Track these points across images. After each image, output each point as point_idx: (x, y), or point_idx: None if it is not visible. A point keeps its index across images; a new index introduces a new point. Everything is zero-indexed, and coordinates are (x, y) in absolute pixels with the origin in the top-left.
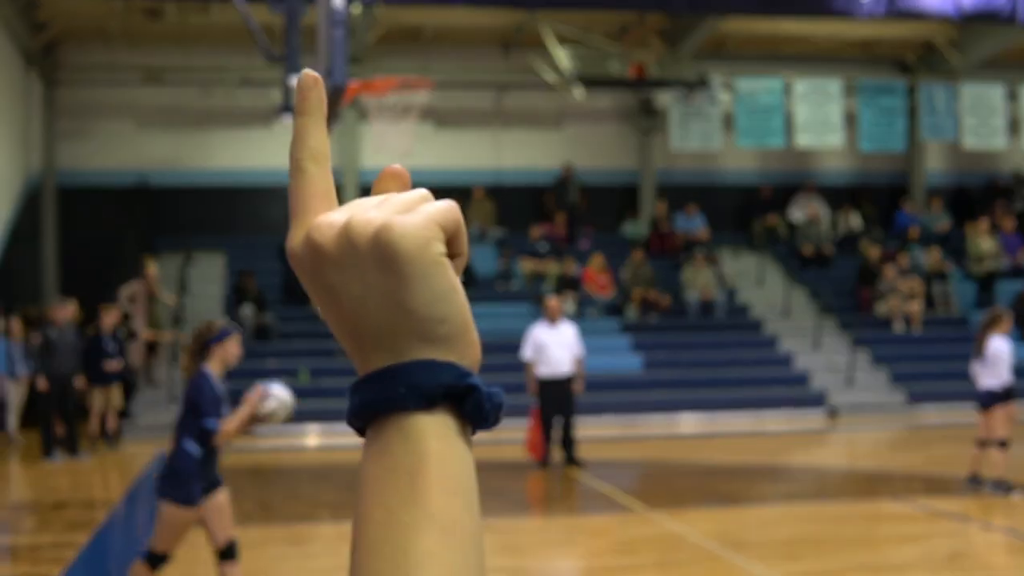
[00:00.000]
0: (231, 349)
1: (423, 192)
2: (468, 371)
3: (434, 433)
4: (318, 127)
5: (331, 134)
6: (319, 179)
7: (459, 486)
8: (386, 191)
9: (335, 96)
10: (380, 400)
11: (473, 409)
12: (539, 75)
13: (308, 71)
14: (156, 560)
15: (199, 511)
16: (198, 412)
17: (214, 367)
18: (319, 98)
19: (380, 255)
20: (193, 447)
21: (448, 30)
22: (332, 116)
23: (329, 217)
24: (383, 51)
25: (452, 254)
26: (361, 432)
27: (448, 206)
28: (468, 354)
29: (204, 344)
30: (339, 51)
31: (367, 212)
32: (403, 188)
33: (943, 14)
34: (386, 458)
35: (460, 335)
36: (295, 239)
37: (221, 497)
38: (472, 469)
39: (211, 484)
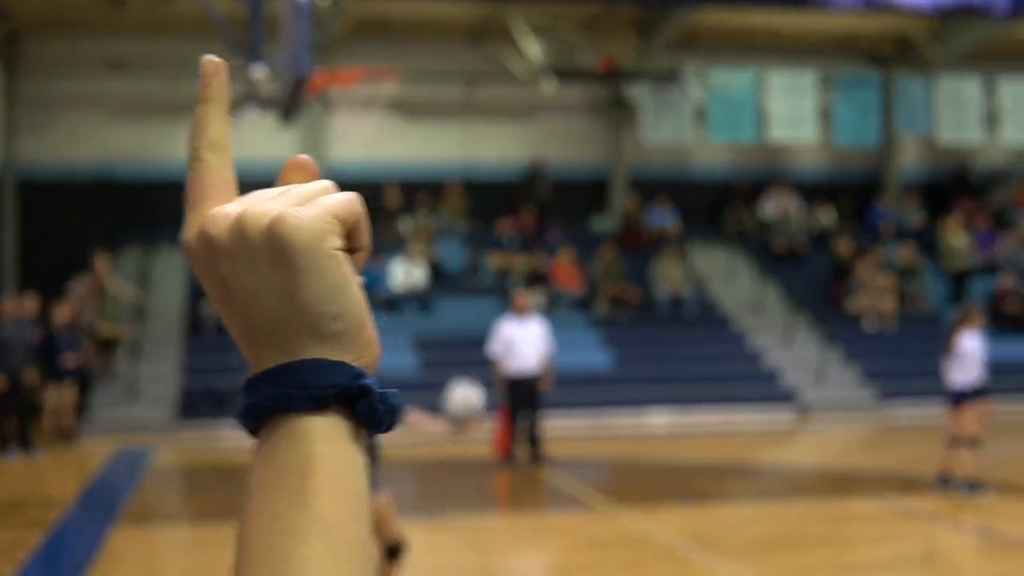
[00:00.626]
0: None
1: (325, 184)
2: (362, 371)
3: (324, 436)
4: (219, 115)
5: (296, 125)
6: (217, 169)
7: (348, 491)
8: (290, 183)
9: (299, 88)
10: (270, 400)
11: (366, 412)
12: (509, 67)
13: (210, 57)
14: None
15: None
16: None
17: None
18: (220, 85)
19: (273, 247)
20: None
21: (418, 21)
22: (297, 108)
23: (224, 208)
24: (352, 43)
25: (352, 248)
26: (254, 434)
27: (348, 198)
28: (364, 354)
29: None
30: (303, 42)
31: (263, 204)
32: (308, 180)
33: (919, 7)
34: (274, 461)
35: (355, 333)
36: (190, 231)
37: (381, 498)
38: (363, 474)
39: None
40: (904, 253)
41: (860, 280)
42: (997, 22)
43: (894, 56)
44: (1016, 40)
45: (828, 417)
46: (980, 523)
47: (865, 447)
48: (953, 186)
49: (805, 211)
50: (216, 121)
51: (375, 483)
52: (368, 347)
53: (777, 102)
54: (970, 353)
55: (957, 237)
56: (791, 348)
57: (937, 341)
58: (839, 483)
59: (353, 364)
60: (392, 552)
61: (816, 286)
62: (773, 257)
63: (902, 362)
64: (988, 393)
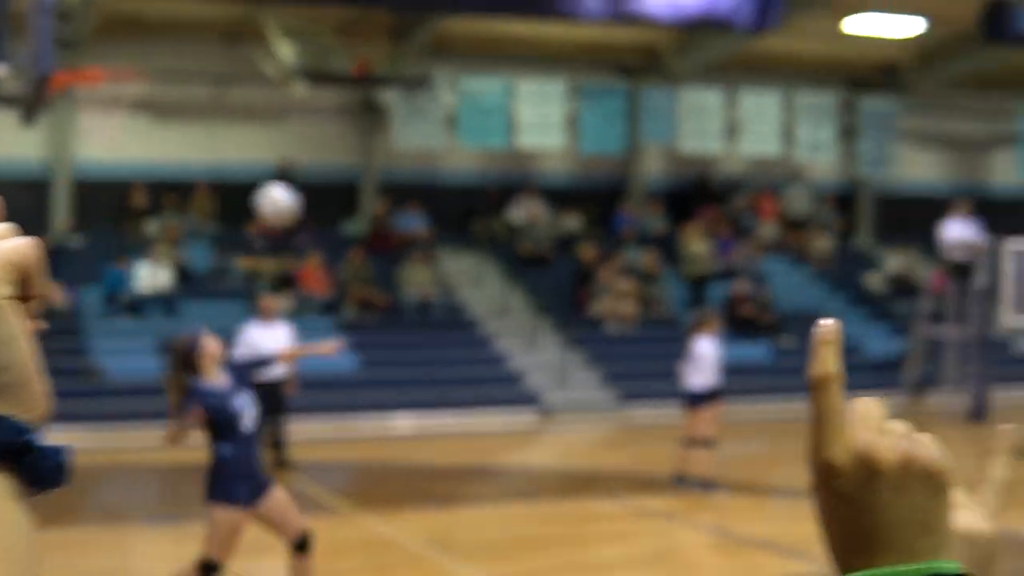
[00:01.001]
0: (211, 348)
1: (2, 227)
2: (27, 427)
3: None
4: None
5: (41, 125)
6: None
7: (9, 553)
8: None
9: (42, 86)
10: None
11: (30, 468)
12: (262, 69)
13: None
14: (210, 569)
15: (250, 512)
16: (215, 425)
17: (208, 373)
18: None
19: (930, 482)
20: (226, 449)
21: (170, 20)
22: (40, 107)
23: None
24: (102, 40)
25: (26, 296)
26: None
27: (23, 243)
28: (32, 407)
29: (187, 360)
30: (46, 39)
31: None
32: None
33: (665, 20)
34: None
35: (22, 386)
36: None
37: (278, 493)
38: (27, 533)
39: (259, 484)
40: (646, 258)
41: (603, 285)
42: (738, 37)
43: (640, 67)
44: (755, 54)
45: (570, 419)
46: (713, 521)
47: (605, 448)
48: (695, 194)
49: (552, 217)
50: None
51: (267, 482)
52: (36, 400)
53: (527, 109)
54: (705, 356)
55: (697, 243)
56: (535, 351)
57: (676, 344)
58: (579, 483)
59: (17, 418)
60: (300, 546)
61: (561, 291)
62: (520, 262)
63: (642, 365)
64: (722, 395)
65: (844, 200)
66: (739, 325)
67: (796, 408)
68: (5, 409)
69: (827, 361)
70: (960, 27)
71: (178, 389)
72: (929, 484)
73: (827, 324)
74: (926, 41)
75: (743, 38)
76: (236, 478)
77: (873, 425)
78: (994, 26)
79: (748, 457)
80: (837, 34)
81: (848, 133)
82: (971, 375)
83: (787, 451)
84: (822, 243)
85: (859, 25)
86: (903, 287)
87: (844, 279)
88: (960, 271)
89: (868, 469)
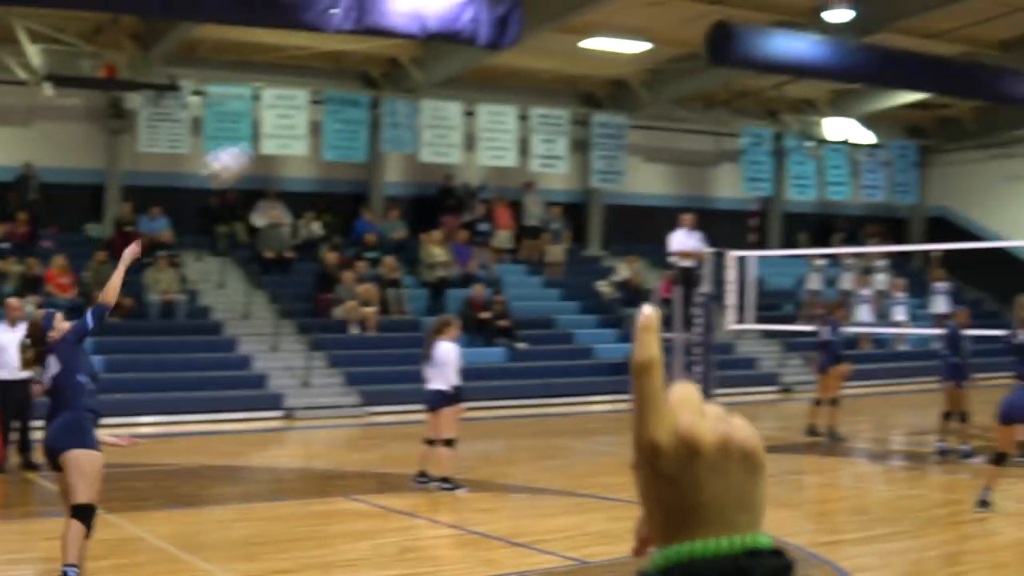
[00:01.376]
0: (61, 326)
1: None
2: None
3: None
4: None
5: None
6: None
7: None
8: None
9: None
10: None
11: None
12: (8, 70)
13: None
14: (90, 512)
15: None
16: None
17: None
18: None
19: (748, 461)
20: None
21: None
22: None
23: None
24: None
25: None
26: None
27: None
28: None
29: (42, 337)
30: None
31: None
32: None
33: (409, 32)
34: None
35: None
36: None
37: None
38: None
39: None
40: (387, 263)
41: (345, 289)
42: (477, 52)
43: (383, 78)
44: (494, 69)
45: (313, 421)
46: (454, 519)
47: (348, 449)
48: (435, 202)
49: (294, 221)
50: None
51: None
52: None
53: (271, 116)
54: (446, 360)
55: (437, 250)
56: (278, 354)
57: (417, 347)
58: (323, 483)
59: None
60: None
61: (304, 294)
62: (263, 266)
63: (384, 367)
64: (462, 397)
65: (577, 210)
66: (476, 329)
67: (531, 408)
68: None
69: (649, 346)
70: (687, 49)
71: (31, 362)
72: (745, 464)
73: (648, 312)
74: (655, 61)
75: (483, 53)
76: (92, 423)
77: (693, 408)
78: (718, 49)
79: (487, 456)
80: (572, 52)
81: (581, 146)
82: (697, 377)
83: (523, 449)
84: (555, 251)
85: (593, 43)
86: (632, 293)
87: (576, 286)
88: (686, 279)
89: (689, 449)
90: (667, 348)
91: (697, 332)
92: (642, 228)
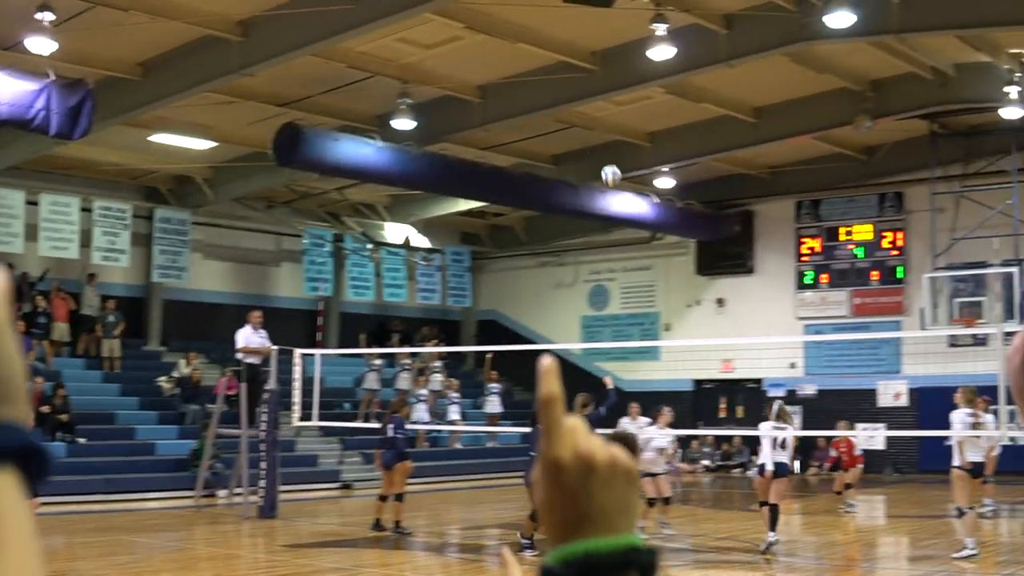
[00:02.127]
0: None
1: None
2: (30, 431)
3: (5, 488)
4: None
5: None
6: None
7: (31, 538)
8: None
9: None
10: None
11: (39, 468)
12: None
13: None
14: None
15: None
16: None
17: None
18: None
19: (628, 476)
20: None
21: None
22: None
23: None
24: None
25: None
26: None
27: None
28: (26, 413)
29: None
30: None
31: None
32: None
33: None
34: None
35: (22, 395)
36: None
37: None
38: (33, 521)
39: None
40: None
41: None
42: (44, 140)
43: None
44: (56, 157)
45: None
46: None
47: None
48: None
49: None
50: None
51: None
52: (27, 407)
53: None
54: None
55: None
56: None
57: None
58: None
59: (20, 422)
60: None
61: None
62: None
63: None
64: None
65: (137, 304)
66: (38, 423)
67: (92, 504)
68: (11, 415)
69: (551, 384)
70: (251, 148)
71: None
72: (627, 479)
73: (547, 360)
74: (220, 158)
75: (49, 142)
76: None
77: (584, 435)
78: (286, 150)
79: (50, 552)
80: (139, 146)
81: (143, 240)
82: (263, 475)
83: (88, 546)
84: (112, 345)
85: (161, 138)
86: (192, 389)
87: (136, 380)
88: (252, 375)
89: (586, 466)
90: (233, 444)
91: (262, 429)
92: (202, 324)
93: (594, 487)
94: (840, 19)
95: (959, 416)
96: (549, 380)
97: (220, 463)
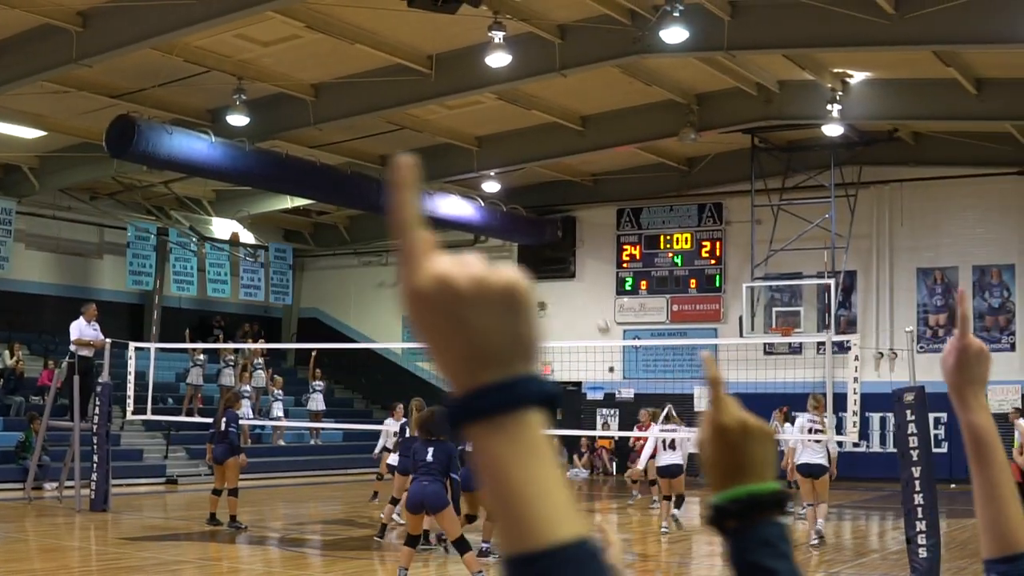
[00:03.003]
0: None
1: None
2: (547, 380)
3: (540, 424)
4: (414, 199)
5: None
6: (427, 235)
7: (557, 462)
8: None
9: None
10: (508, 402)
11: (556, 407)
12: None
13: (403, 156)
14: None
15: None
16: None
17: None
18: (413, 175)
19: (509, 297)
20: None
21: None
22: None
23: (464, 264)
24: None
25: None
26: (455, 432)
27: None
28: (539, 369)
29: None
30: None
31: (476, 264)
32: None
33: None
34: (518, 442)
35: (536, 353)
36: (420, 279)
37: None
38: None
39: None
40: None
41: None
42: None
43: None
44: None
45: None
46: None
47: None
48: None
49: None
50: (414, 202)
51: None
52: (537, 361)
53: None
54: None
55: None
56: None
57: None
58: None
59: (541, 375)
60: None
61: None
62: None
63: None
64: None
65: None
66: None
67: None
68: (533, 369)
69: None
70: (79, 139)
71: None
72: (769, 439)
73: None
74: (46, 148)
75: None
76: None
77: (739, 406)
78: (119, 143)
79: None
80: None
81: None
82: (95, 468)
83: None
84: None
85: None
86: (17, 380)
87: None
88: (85, 368)
89: (744, 429)
90: (60, 437)
91: (95, 422)
92: (23, 315)
93: (749, 444)
94: (673, 35)
95: (800, 421)
96: (711, 366)
97: (46, 456)
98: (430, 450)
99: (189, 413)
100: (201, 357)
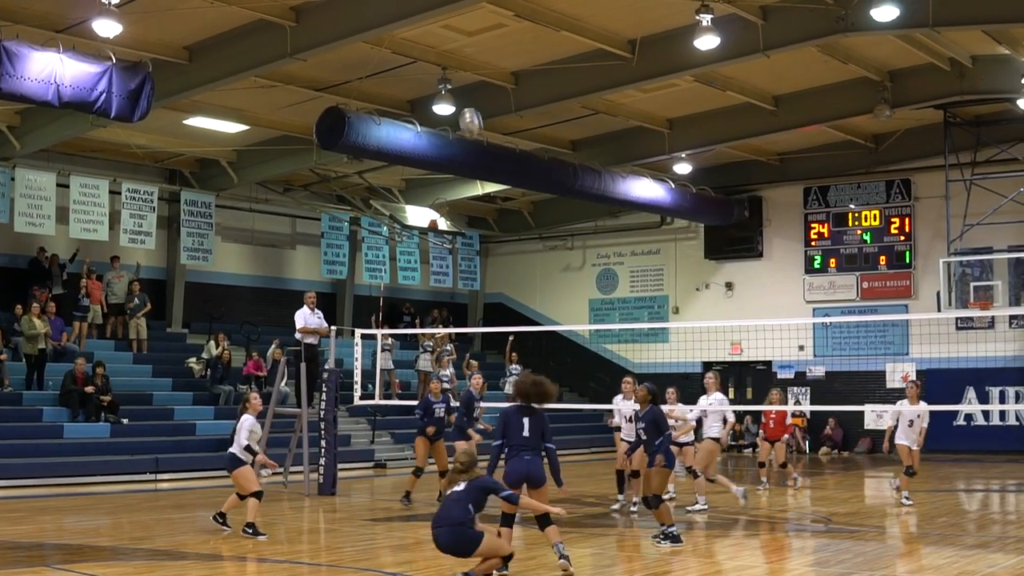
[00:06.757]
0: None
1: None
2: None
3: None
4: None
5: None
6: None
7: None
8: None
9: None
10: None
11: None
12: None
13: None
14: None
15: None
16: None
17: None
18: None
19: None
20: None
21: None
22: None
23: None
24: None
25: None
26: None
27: None
28: None
29: None
30: None
31: None
32: None
33: (44, 100)
34: None
35: None
36: None
37: None
38: None
39: None
40: None
41: None
42: (78, 122)
43: None
44: (88, 141)
45: None
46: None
47: None
48: (29, 274)
49: None
50: None
51: None
52: None
53: None
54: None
55: (34, 323)
56: None
57: (21, 421)
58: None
59: None
60: None
61: None
62: None
63: None
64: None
65: (163, 286)
66: (81, 404)
67: (134, 484)
68: None
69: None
70: (278, 132)
71: None
72: None
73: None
74: (246, 142)
75: (81, 126)
76: None
77: None
78: (329, 135)
79: (90, 531)
80: (170, 129)
81: (164, 223)
82: (321, 452)
83: (127, 524)
84: (139, 326)
85: (195, 122)
86: (224, 370)
87: (165, 362)
88: (309, 356)
89: None
90: (291, 425)
91: (322, 408)
92: (222, 306)
93: None
94: (884, 13)
95: (717, 397)
96: None
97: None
98: (526, 421)
99: (387, 398)
100: (389, 342)
